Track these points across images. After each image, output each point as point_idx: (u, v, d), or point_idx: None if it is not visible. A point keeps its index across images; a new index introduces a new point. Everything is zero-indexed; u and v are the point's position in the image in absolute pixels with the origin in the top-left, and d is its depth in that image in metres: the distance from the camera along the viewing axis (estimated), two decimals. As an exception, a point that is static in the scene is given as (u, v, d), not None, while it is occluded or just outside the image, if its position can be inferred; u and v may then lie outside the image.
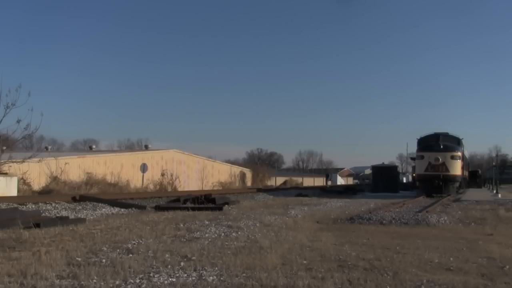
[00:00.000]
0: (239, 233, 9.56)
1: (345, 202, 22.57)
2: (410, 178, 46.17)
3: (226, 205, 17.11)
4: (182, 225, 10.68)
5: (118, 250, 7.24)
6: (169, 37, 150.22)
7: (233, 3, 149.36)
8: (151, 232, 9.31)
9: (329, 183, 61.56)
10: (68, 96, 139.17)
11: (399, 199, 26.27)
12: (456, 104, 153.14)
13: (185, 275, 5.67)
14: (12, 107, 18.93)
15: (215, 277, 5.59)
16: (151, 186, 32.32)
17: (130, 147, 75.70)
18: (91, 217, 12.84)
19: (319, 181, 68.49)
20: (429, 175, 30.56)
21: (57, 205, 14.97)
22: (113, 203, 16.14)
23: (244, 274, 5.75)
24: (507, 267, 6.64)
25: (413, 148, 40.98)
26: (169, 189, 31.22)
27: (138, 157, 35.84)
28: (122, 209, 15.28)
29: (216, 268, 6.04)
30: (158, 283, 5.29)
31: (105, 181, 29.42)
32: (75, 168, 29.38)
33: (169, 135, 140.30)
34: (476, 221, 13.43)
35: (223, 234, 9.38)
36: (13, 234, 8.53)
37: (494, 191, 33.04)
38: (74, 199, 16.49)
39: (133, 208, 15.62)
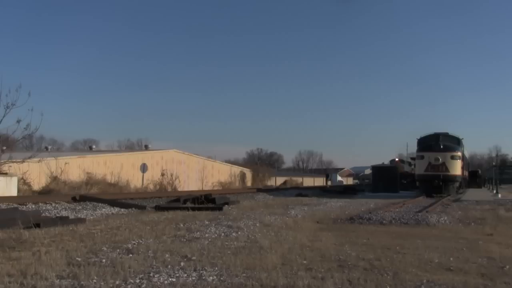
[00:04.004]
0: (239, 233, 9.56)
1: (345, 202, 22.56)
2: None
3: (226, 205, 17.09)
4: (182, 225, 10.68)
5: (118, 250, 7.23)
6: (169, 37, 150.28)
7: (232, 3, 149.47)
8: (151, 232, 9.31)
9: (329, 183, 61.51)
10: (68, 96, 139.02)
11: (399, 199, 26.26)
12: (456, 104, 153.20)
13: (185, 275, 5.67)
14: (12, 107, 18.93)
15: (215, 277, 5.59)
16: (151, 186, 32.35)
17: (130, 147, 75.64)
18: (91, 217, 12.84)
19: (319, 181, 68.44)
20: (429, 175, 30.54)
21: (57, 205, 14.97)
22: (113, 203, 16.13)
23: (244, 274, 5.75)
24: (507, 267, 6.64)
25: (413, 148, 40.92)
26: (169, 189, 31.25)
27: (138, 157, 35.84)
28: (122, 209, 15.27)
29: (216, 268, 6.04)
30: (158, 283, 5.29)
31: (105, 181, 29.45)
32: (75, 168, 29.40)
33: (169, 135, 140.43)
34: (476, 221, 13.42)
35: (223, 234, 9.38)
36: (13, 234, 8.53)
37: (494, 191, 32.99)
38: (74, 199, 16.48)
39: (133, 208, 15.61)
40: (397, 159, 53.01)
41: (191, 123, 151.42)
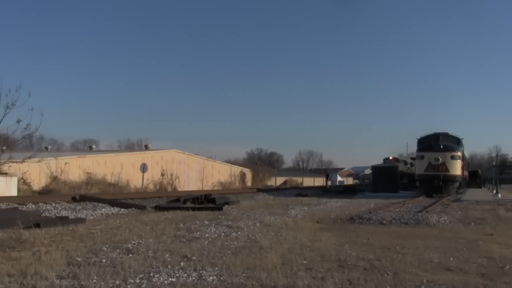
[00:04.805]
0: (239, 233, 9.56)
1: (345, 202, 22.56)
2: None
3: (226, 205, 17.10)
4: (182, 225, 10.68)
5: (118, 250, 7.24)
6: (169, 37, 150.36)
7: (232, 3, 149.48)
8: (151, 232, 9.31)
9: (329, 183, 61.48)
10: (68, 96, 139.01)
11: (399, 199, 26.26)
12: (456, 104, 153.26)
13: (185, 275, 5.67)
14: (12, 107, 18.94)
15: (215, 277, 5.59)
16: (151, 186, 32.34)
17: (130, 147, 75.62)
18: (91, 217, 12.84)
19: (319, 181, 68.46)
20: (429, 175, 30.53)
21: (57, 205, 14.96)
22: (113, 203, 16.13)
23: (244, 274, 5.75)
24: (507, 267, 6.64)
25: (413, 148, 40.92)
26: (169, 189, 31.25)
27: (138, 157, 35.83)
28: (122, 209, 15.27)
29: (216, 268, 6.04)
30: (158, 283, 5.29)
31: (105, 181, 29.44)
32: (75, 168, 29.40)
33: (169, 135, 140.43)
34: (476, 221, 13.42)
35: (223, 234, 9.38)
36: (13, 234, 8.53)
37: (494, 191, 32.98)
38: (74, 199, 16.48)
39: (133, 208, 15.61)
40: (391, 158, 52.58)
41: (191, 123, 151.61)
